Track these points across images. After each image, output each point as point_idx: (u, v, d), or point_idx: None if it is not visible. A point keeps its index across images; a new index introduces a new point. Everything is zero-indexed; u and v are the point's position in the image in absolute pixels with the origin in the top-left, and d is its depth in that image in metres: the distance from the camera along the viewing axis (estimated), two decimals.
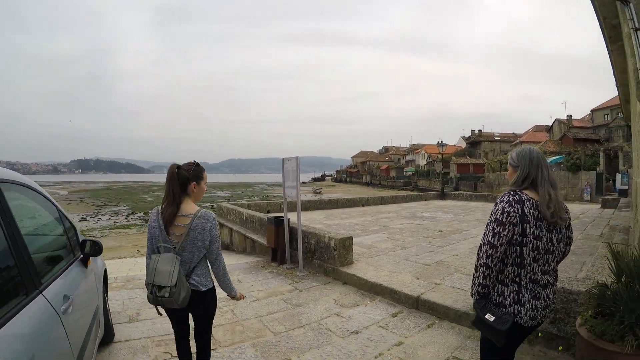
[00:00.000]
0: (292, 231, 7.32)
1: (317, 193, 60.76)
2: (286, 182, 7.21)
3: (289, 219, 7.35)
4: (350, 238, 6.63)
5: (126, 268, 8.51)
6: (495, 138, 68.51)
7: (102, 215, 33.03)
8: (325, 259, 6.61)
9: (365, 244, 8.28)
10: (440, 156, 37.44)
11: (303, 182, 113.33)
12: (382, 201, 19.53)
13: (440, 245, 8.18)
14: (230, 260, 8.54)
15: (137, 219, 29.96)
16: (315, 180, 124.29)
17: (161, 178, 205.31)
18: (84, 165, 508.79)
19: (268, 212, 13.83)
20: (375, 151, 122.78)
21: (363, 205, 18.19)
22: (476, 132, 71.31)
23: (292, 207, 9.18)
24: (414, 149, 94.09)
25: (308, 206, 16.23)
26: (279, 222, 7.29)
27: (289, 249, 7.23)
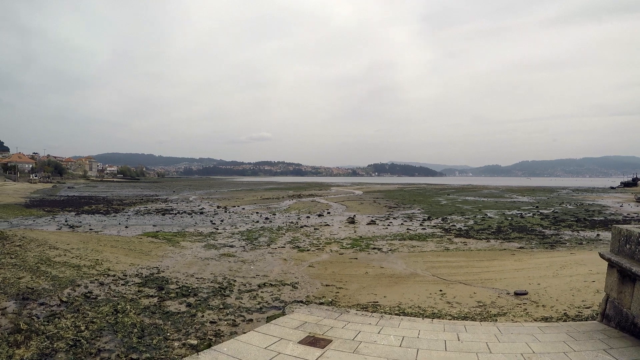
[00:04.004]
0: None
1: None
2: None
3: None
4: None
5: None
6: None
7: (393, 218, 30.40)
8: None
9: None
10: None
11: (611, 187, 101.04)
12: None
13: None
14: None
15: (433, 226, 25.34)
16: (625, 185, 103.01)
17: (453, 181, 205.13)
18: (379, 169, 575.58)
19: None
20: None
21: None
22: None
23: None
24: None
25: None
26: None
27: None
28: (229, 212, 34.71)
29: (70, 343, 6.75)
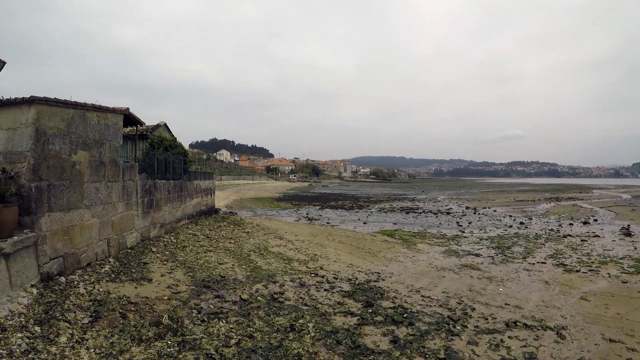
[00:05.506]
0: None
1: None
2: None
3: None
4: None
5: None
6: None
7: None
8: None
9: None
10: None
11: None
12: None
13: None
14: None
15: None
16: None
17: None
18: None
19: None
20: None
21: None
22: None
23: None
24: None
25: None
26: None
27: None
28: (478, 214, 30.57)
29: (200, 359, 4.68)
